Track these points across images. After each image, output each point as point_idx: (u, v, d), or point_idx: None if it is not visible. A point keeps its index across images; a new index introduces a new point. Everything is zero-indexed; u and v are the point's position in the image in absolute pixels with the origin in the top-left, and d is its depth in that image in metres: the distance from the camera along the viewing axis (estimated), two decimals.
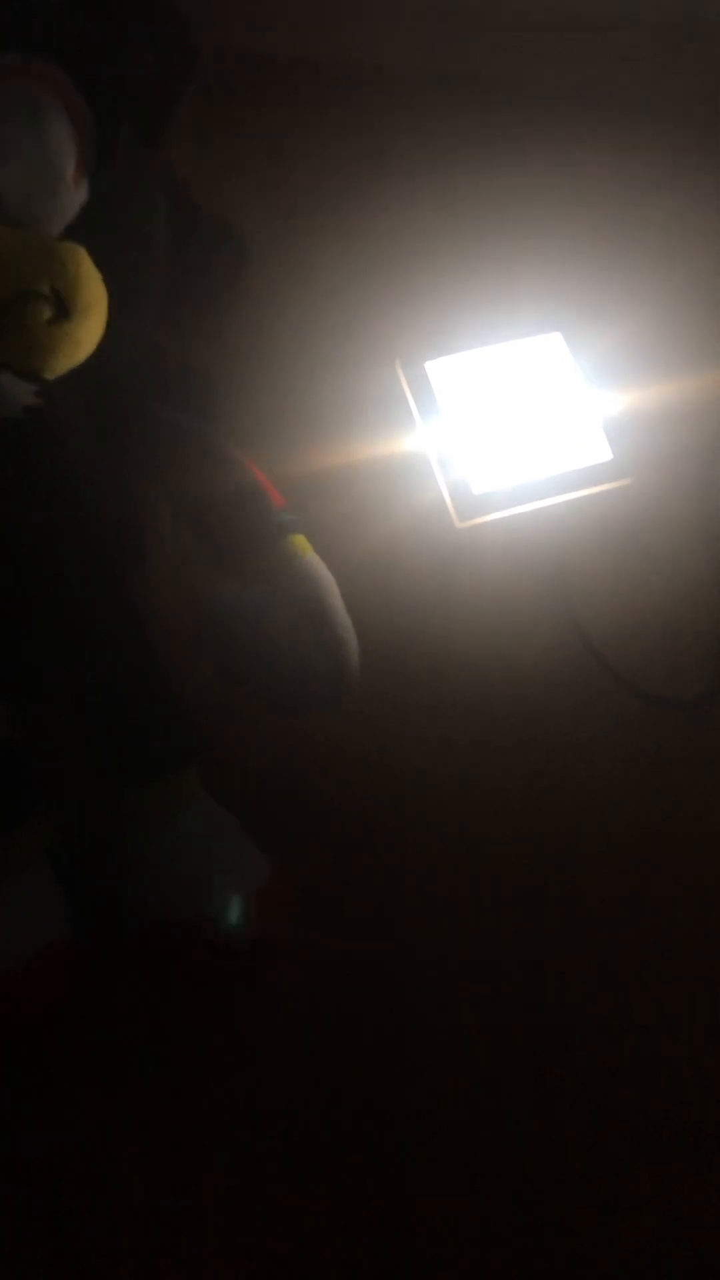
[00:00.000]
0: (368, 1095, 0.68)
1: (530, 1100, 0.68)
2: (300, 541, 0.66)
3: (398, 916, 0.72)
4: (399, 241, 0.87)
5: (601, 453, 0.78)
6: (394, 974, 0.70)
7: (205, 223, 0.79)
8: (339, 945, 0.70)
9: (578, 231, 0.91)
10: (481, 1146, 0.67)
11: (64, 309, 0.59)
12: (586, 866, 0.74)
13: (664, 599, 0.80)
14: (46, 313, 0.59)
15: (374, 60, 0.96)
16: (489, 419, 0.79)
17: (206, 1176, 0.65)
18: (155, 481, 0.66)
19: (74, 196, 0.61)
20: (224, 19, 0.85)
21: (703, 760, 0.78)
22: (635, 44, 0.94)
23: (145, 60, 0.65)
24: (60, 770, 0.65)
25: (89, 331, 0.61)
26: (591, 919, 0.73)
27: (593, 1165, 0.67)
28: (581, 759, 0.77)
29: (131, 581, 0.67)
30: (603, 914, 0.73)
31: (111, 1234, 0.63)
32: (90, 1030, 0.65)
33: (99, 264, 0.61)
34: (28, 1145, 0.65)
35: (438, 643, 0.77)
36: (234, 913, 0.62)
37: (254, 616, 0.64)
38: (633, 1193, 0.67)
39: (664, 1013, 0.71)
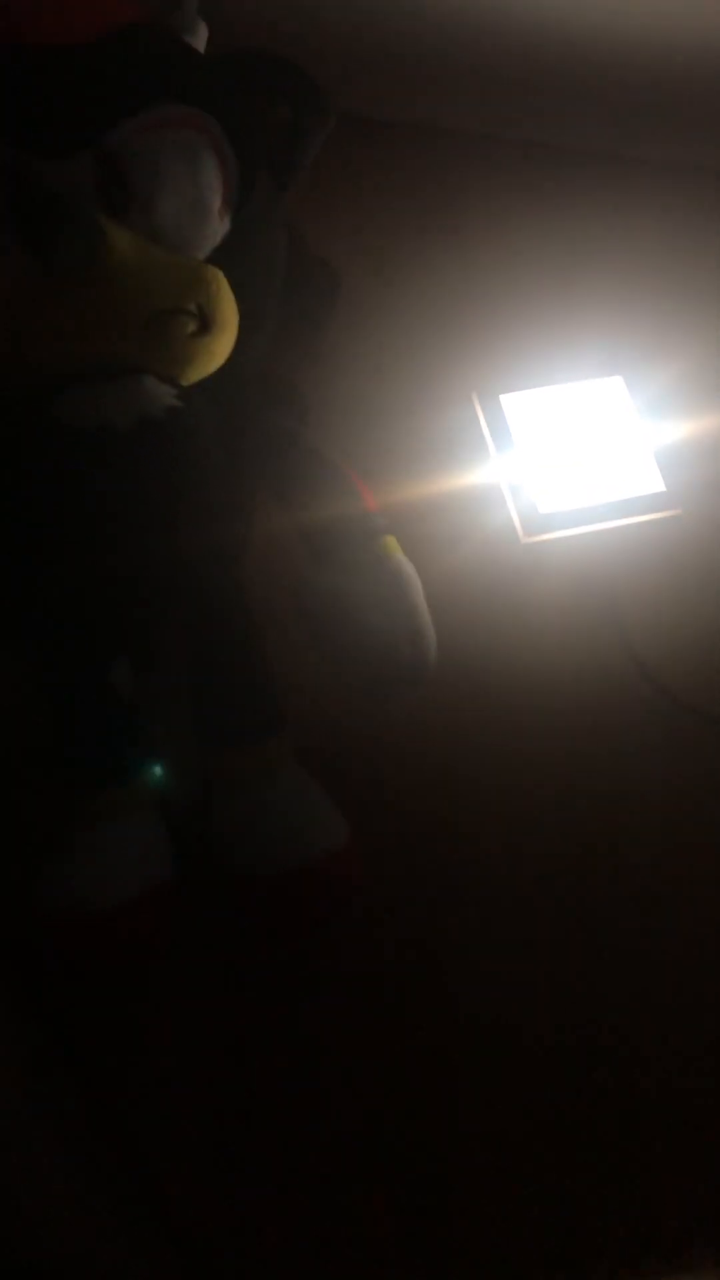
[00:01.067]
0: (413, 1043, 0.76)
1: (557, 1046, 0.78)
2: (391, 542, 0.74)
3: (453, 884, 0.81)
4: (478, 287, 0.96)
5: (655, 484, 0.87)
6: (445, 933, 0.79)
7: (308, 261, 0.88)
8: (399, 909, 0.78)
9: (637, 280, 0.99)
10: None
11: (205, 324, 0.68)
12: (621, 851, 0.83)
13: (711, 621, 0.88)
14: (191, 326, 0.67)
15: (453, 125, 1.05)
16: (555, 449, 0.87)
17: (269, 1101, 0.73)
18: (266, 479, 0.75)
19: (218, 228, 0.70)
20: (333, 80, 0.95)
21: None
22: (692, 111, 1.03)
23: (282, 115, 0.75)
24: (170, 731, 0.72)
25: (223, 345, 0.70)
26: (622, 896, 0.83)
27: None
28: (617, 753, 0.86)
29: (238, 565, 0.75)
30: (632, 892, 0.82)
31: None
32: (181, 965, 0.73)
33: (232, 287, 0.70)
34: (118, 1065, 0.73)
35: (500, 645, 0.85)
36: None
37: (347, 604, 0.72)
38: None
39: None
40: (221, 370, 0.72)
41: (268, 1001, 0.76)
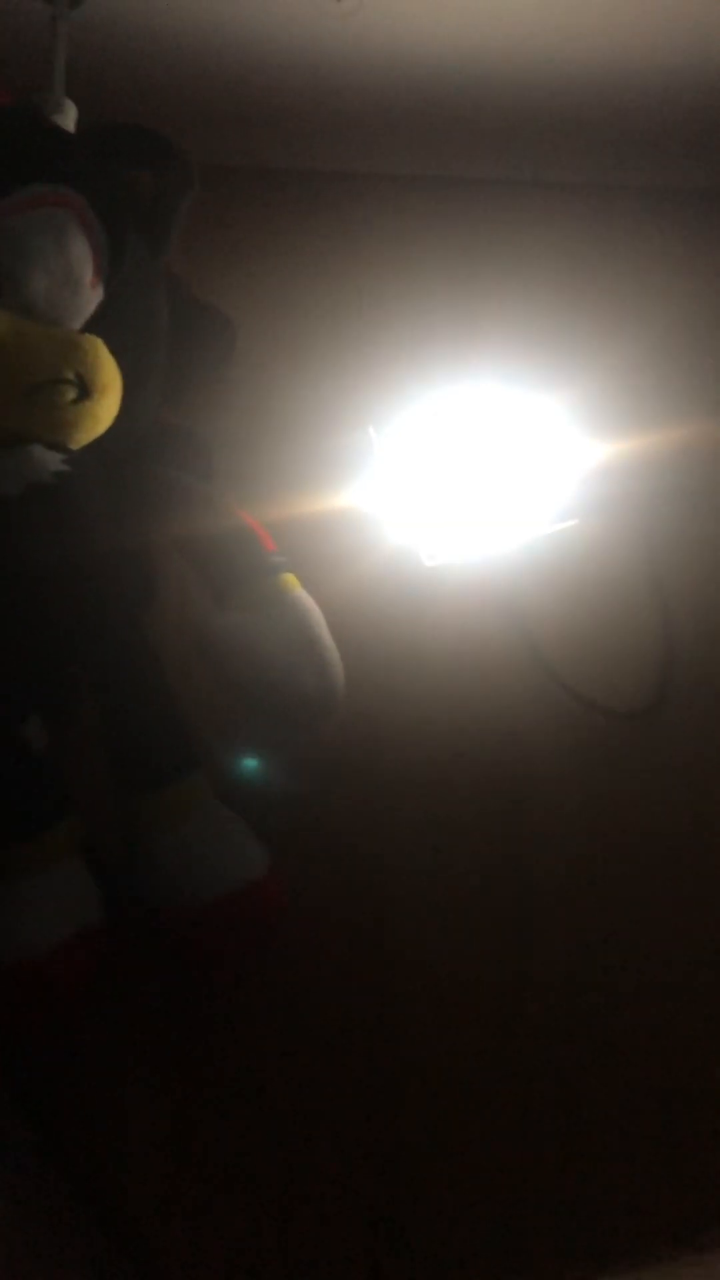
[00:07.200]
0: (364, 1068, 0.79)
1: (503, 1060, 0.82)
2: (290, 579, 0.77)
3: (383, 902, 0.85)
4: (373, 318, 0.99)
5: (555, 497, 0.90)
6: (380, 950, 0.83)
7: (198, 311, 0.91)
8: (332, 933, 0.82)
9: (536, 305, 1.02)
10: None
11: (85, 390, 0.71)
12: (545, 851, 0.88)
13: (608, 625, 0.92)
14: (71, 394, 0.70)
15: (337, 166, 1.08)
16: (457, 468, 0.90)
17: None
18: (164, 532, 0.78)
19: (92, 297, 0.73)
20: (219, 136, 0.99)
21: (647, 766, 0.90)
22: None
23: (145, 182, 0.78)
24: (89, 778, 0.75)
25: (107, 409, 0.73)
26: (551, 895, 0.87)
27: None
28: (531, 754, 0.90)
29: (144, 617, 0.78)
30: (559, 886, 0.88)
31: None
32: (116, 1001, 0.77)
33: (113, 352, 0.73)
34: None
35: (411, 665, 0.89)
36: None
37: (249, 642, 0.75)
38: None
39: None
40: (111, 429, 0.75)
41: (207, 1028, 0.79)
